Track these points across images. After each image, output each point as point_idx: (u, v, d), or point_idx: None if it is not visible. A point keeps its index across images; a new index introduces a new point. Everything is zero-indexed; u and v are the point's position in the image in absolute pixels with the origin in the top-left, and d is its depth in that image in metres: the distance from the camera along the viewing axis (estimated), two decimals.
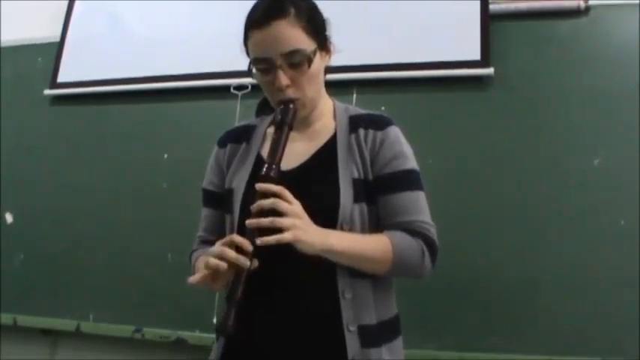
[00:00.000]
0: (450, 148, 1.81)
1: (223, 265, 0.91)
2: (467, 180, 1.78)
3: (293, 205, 0.93)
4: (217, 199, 1.12)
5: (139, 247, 2.08)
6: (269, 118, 1.15)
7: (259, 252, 0.93)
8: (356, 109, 1.14)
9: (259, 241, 0.89)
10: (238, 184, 1.07)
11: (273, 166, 0.96)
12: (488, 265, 1.69)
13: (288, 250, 0.92)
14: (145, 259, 2.05)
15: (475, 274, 1.69)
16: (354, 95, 1.90)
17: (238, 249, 0.92)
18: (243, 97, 2.02)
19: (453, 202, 1.73)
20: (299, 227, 0.92)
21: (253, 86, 1.95)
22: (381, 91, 1.90)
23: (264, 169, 0.96)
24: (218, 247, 0.93)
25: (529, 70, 1.79)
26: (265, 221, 0.91)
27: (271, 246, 0.90)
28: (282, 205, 0.92)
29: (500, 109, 1.80)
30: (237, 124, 1.21)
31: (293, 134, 1.06)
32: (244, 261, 0.91)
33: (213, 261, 0.92)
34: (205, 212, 1.17)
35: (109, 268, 2.10)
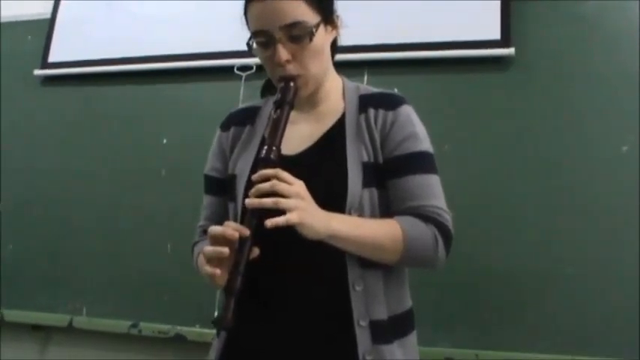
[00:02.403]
0: (466, 133, 1.86)
1: (217, 272, 0.92)
2: (485, 167, 1.83)
3: (294, 186, 0.94)
4: (220, 186, 1.14)
5: (137, 237, 2.13)
6: (273, 98, 1.13)
7: (260, 240, 0.95)
8: (367, 88, 1.15)
9: (269, 222, 0.90)
10: (242, 170, 1.10)
11: (273, 148, 0.98)
12: (506, 259, 1.74)
13: (291, 239, 0.93)
14: (143, 250, 2.11)
15: (492, 268, 1.74)
16: (365, 77, 1.95)
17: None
18: (248, 78, 2.08)
19: (469, 191, 1.77)
20: (303, 209, 0.92)
21: (258, 66, 2.00)
22: (393, 72, 1.96)
23: (264, 152, 0.98)
24: (208, 248, 0.94)
25: (552, 50, 1.84)
26: (268, 201, 0.91)
27: (272, 234, 0.91)
28: (281, 186, 0.93)
29: (520, 92, 1.84)
30: (240, 105, 1.24)
31: (298, 116, 1.09)
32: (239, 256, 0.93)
33: (207, 270, 0.93)
34: (207, 200, 1.19)
35: (104, 260, 2.16)
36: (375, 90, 1.15)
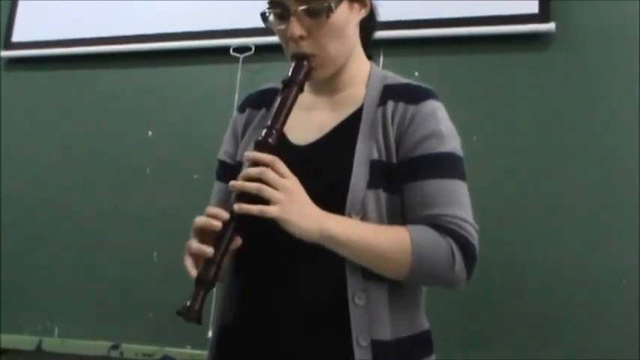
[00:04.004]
0: (498, 122, 1.83)
1: (191, 271, 0.93)
2: (519, 162, 1.78)
3: (285, 179, 0.95)
4: (230, 173, 1.13)
5: (118, 245, 2.10)
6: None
7: (251, 239, 0.97)
8: (396, 78, 1.13)
9: (237, 207, 0.92)
10: None
11: (273, 132, 0.98)
12: (544, 268, 1.70)
13: (286, 241, 0.95)
14: (125, 260, 2.08)
15: (528, 278, 1.71)
16: (381, 58, 1.83)
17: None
18: (246, 60, 2.04)
19: (502, 190, 1.75)
20: (286, 203, 0.93)
21: (257, 47, 2.01)
22: (413, 52, 1.92)
23: (263, 134, 0.98)
24: (194, 244, 0.95)
25: (598, 26, 1.80)
26: (252, 186, 0.93)
27: (263, 233, 0.95)
28: (270, 175, 0.94)
29: (562, 74, 1.80)
30: (261, 87, 1.24)
31: (316, 100, 1.10)
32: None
33: (185, 262, 0.94)
34: (217, 187, 1.19)
35: (80, 271, 2.12)
36: (403, 80, 1.13)
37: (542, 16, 1.81)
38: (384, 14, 1.87)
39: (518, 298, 1.72)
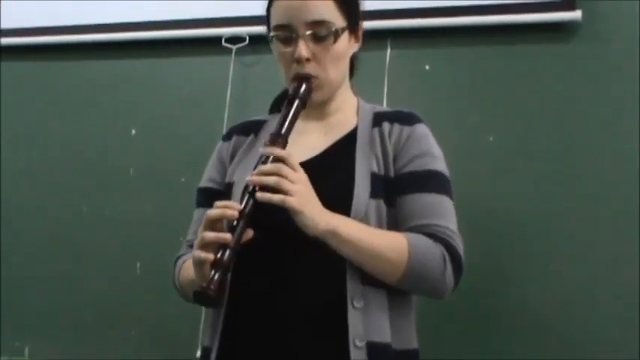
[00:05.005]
0: (517, 120, 1.80)
1: (207, 256, 1.01)
2: (542, 165, 1.76)
3: (299, 173, 1.06)
4: (215, 198, 1.20)
5: (97, 255, 2.08)
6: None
7: (255, 227, 1.05)
8: (383, 108, 1.33)
9: (259, 194, 1.02)
10: (240, 177, 1.19)
11: (280, 140, 1.09)
12: (568, 281, 1.69)
13: (287, 240, 1.07)
14: (105, 270, 2.05)
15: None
16: (388, 50, 1.90)
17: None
18: (239, 52, 2.02)
19: (520, 194, 1.72)
20: (305, 195, 1.04)
21: (252, 38, 1.98)
22: (423, 43, 1.89)
23: (268, 140, 1.10)
24: (209, 233, 1.03)
25: (627, 13, 1.77)
26: (270, 179, 1.02)
27: (268, 232, 1.05)
28: (286, 169, 1.04)
29: (587, 66, 1.77)
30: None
31: (306, 125, 1.22)
32: (224, 235, 1.02)
33: (197, 254, 1.02)
34: (198, 214, 1.28)
35: (54, 284, 2.09)
36: (391, 109, 1.31)
37: (566, 3, 1.78)
38: (390, 1, 1.91)
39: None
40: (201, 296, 0.99)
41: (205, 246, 1.02)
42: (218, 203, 1.05)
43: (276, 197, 1.01)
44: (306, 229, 1.03)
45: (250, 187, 1.05)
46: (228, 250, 1.01)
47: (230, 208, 1.03)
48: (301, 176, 1.05)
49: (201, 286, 0.99)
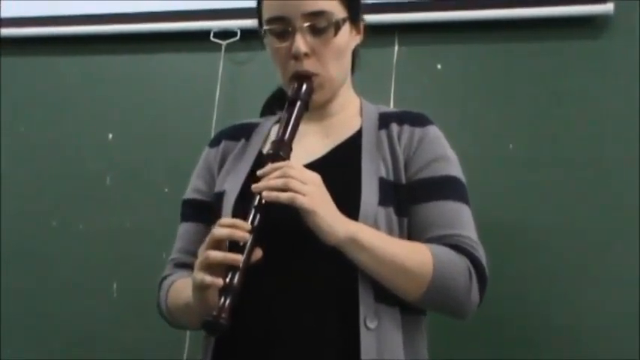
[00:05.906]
0: (540, 126, 1.76)
1: (214, 281, 0.97)
2: (569, 174, 1.72)
3: (309, 174, 1.03)
4: (202, 210, 1.23)
5: (68, 273, 2.04)
6: (275, 118, 1.31)
7: (263, 243, 1.02)
8: (389, 108, 1.30)
9: (266, 193, 0.99)
10: (232, 186, 1.18)
11: (283, 147, 1.07)
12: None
13: (295, 254, 1.06)
14: (77, 293, 2.02)
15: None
16: (395, 47, 1.87)
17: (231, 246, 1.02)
18: (229, 47, 2.01)
19: (545, 207, 1.70)
20: (315, 196, 1.00)
21: (243, 33, 1.95)
22: (434, 39, 1.87)
23: (271, 147, 1.08)
24: (216, 253, 1.00)
25: None
26: (278, 182, 1.00)
27: (275, 245, 1.01)
28: (293, 170, 1.01)
29: (620, 64, 1.74)
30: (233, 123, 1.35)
31: (306, 128, 1.17)
32: (234, 256, 0.99)
33: (205, 279, 0.98)
34: (184, 228, 1.27)
35: (18, 307, 2.05)
36: (397, 109, 1.31)
37: None
38: None
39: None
40: (211, 325, 0.96)
41: (209, 267, 0.99)
42: (224, 221, 1.02)
43: (283, 195, 0.98)
44: (322, 234, 1.00)
45: (256, 201, 1.02)
46: (238, 272, 0.98)
47: (239, 229, 1.00)
48: (313, 176, 1.03)
49: (212, 315, 0.95)
